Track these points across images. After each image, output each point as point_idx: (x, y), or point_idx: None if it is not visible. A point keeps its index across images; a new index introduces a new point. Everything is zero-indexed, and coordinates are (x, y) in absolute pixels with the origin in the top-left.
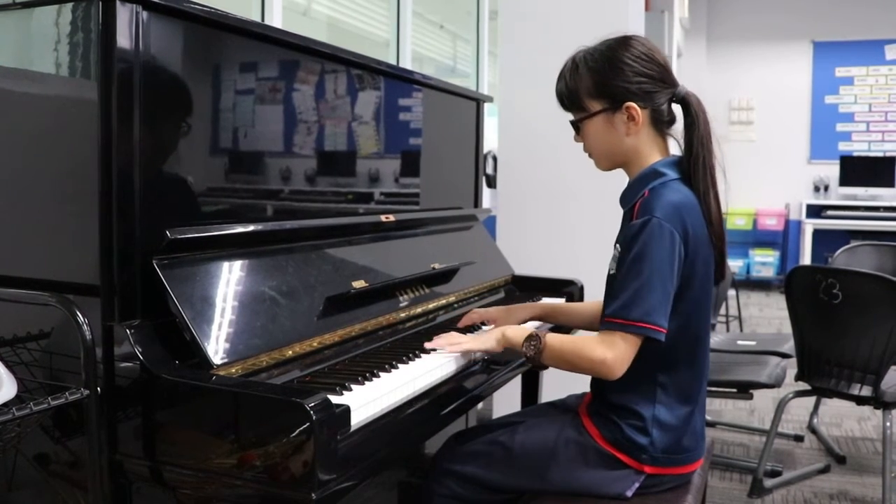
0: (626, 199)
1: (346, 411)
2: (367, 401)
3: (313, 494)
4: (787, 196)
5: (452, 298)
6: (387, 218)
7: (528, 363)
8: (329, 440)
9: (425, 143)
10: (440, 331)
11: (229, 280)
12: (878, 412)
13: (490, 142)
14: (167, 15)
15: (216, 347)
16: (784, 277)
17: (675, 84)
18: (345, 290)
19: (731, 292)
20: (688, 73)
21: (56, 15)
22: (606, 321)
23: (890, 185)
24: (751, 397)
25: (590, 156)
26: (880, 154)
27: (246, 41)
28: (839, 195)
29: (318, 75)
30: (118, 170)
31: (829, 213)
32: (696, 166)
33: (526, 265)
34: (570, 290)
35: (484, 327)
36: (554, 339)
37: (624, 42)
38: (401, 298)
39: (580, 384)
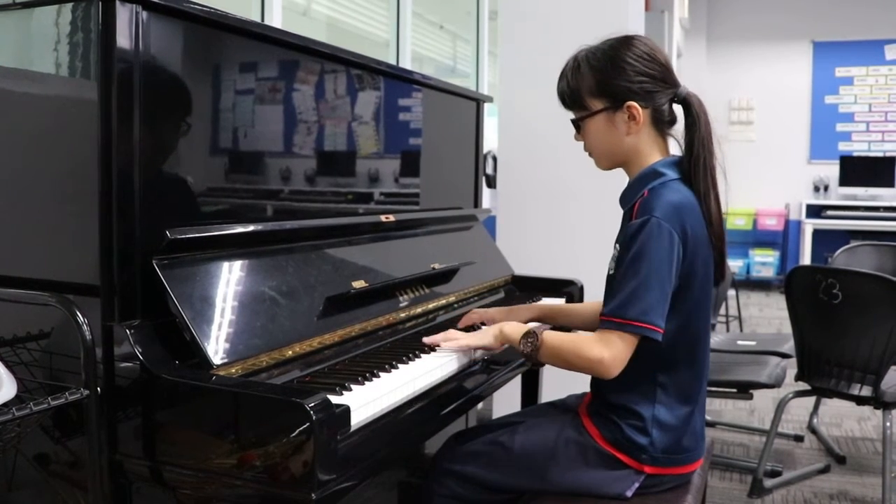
0: (626, 199)
1: (346, 411)
2: (367, 401)
3: (313, 494)
4: (786, 196)
5: (452, 298)
6: (387, 218)
7: (526, 360)
8: (329, 440)
9: (425, 144)
10: (440, 331)
11: (229, 280)
12: (878, 412)
13: (490, 142)
14: (167, 15)
15: (216, 347)
16: (784, 277)
17: (677, 84)
18: (345, 290)
19: (731, 292)
20: (688, 73)
21: (56, 15)
22: (604, 320)
23: (890, 185)
24: (751, 397)
25: (590, 155)
26: (880, 154)
27: (246, 41)
28: (839, 195)
29: (317, 75)
30: (118, 170)
31: (829, 213)
32: (697, 167)
33: (526, 265)
34: (570, 290)
35: (483, 328)
36: (551, 337)
37: (626, 41)
38: (401, 298)
39: (580, 384)
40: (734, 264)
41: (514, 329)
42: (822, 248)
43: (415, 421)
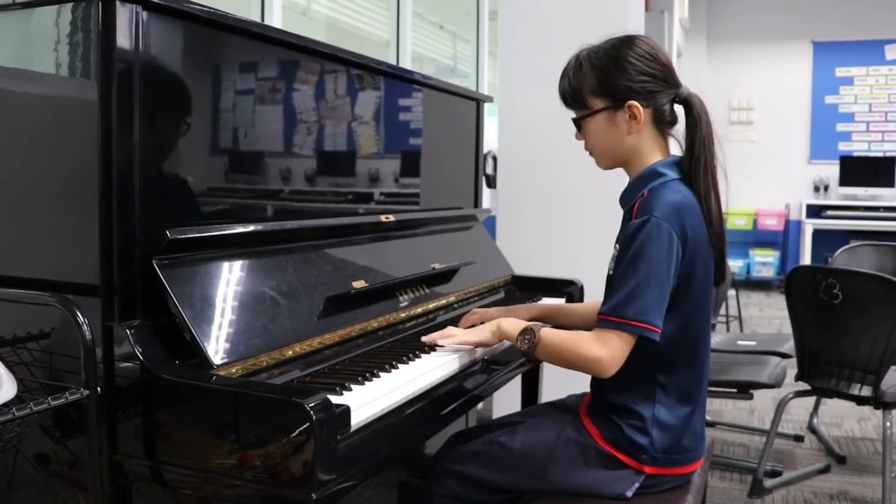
0: (626, 198)
1: (346, 411)
2: (367, 401)
3: (313, 494)
4: (787, 196)
5: (452, 298)
6: (387, 218)
7: (523, 357)
8: (329, 440)
9: (425, 144)
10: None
11: (229, 280)
12: (879, 412)
13: (490, 142)
14: (167, 15)
15: (216, 347)
16: (784, 277)
17: (678, 84)
18: (345, 290)
19: (732, 292)
20: (688, 73)
21: (56, 15)
22: (601, 319)
23: (890, 185)
24: (751, 397)
25: (591, 154)
26: (880, 154)
27: (246, 41)
28: (839, 195)
29: (317, 75)
30: (118, 170)
31: (829, 213)
32: (698, 167)
33: (526, 265)
34: (570, 290)
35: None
36: (548, 335)
37: (628, 41)
38: (401, 298)
39: (580, 384)
40: (734, 264)
41: (512, 325)
42: (822, 248)
43: (415, 421)
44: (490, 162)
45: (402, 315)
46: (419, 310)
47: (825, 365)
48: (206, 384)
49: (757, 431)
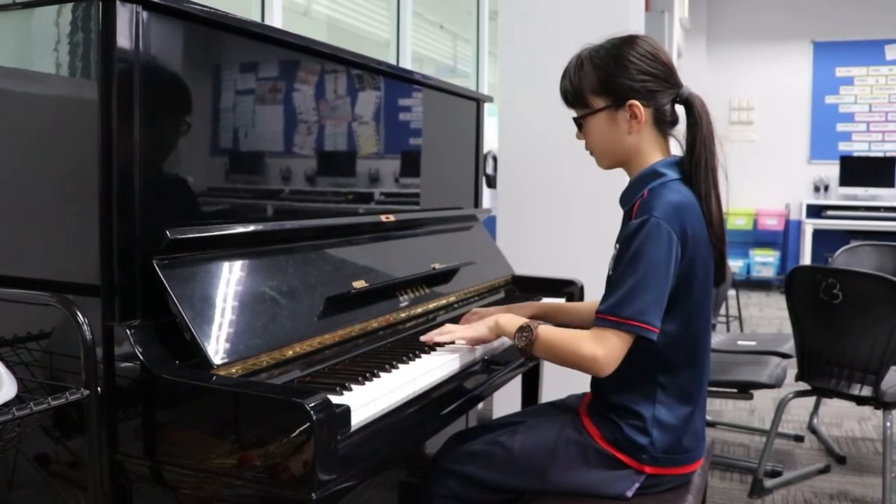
0: (626, 199)
1: (346, 411)
2: (368, 401)
3: (313, 494)
4: (787, 196)
5: (453, 298)
6: (387, 218)
7: (520, 354)
8: (329, 440)
9: (425, 144)
10: None
11: (229, 280)
12: (879, 412)
13: (490, 142)
14: (167, 15)
15: (216, 347)
16: (784, 277)
17: (680, 85)
18: (345, 290)
19: (732, 292)
20: (688, 73)
21: (56, 15)
22: (599, 318)
23: (890, 185)
24: (751, 397)
25: (591, 154)
26: (880, 154)
27: (246, 41)
28: (839, 195)
29: (318, 75)
30: (118, 170)
31: (830, 213)
32: (698, 167)
33: (526, 265)
34: (570, 290)
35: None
36: (546, 332)
37: (630, 41)
38: (401, 298)
39: (580, 384)
40: (734, 264)
41: (510, 321)
42: (822, 248)
43: (415, 421)
44: (490, 162)
45: (403, 315)
46: (419, 310)
47: (825, 365)
48: (207, 384)
49: (757, 431)
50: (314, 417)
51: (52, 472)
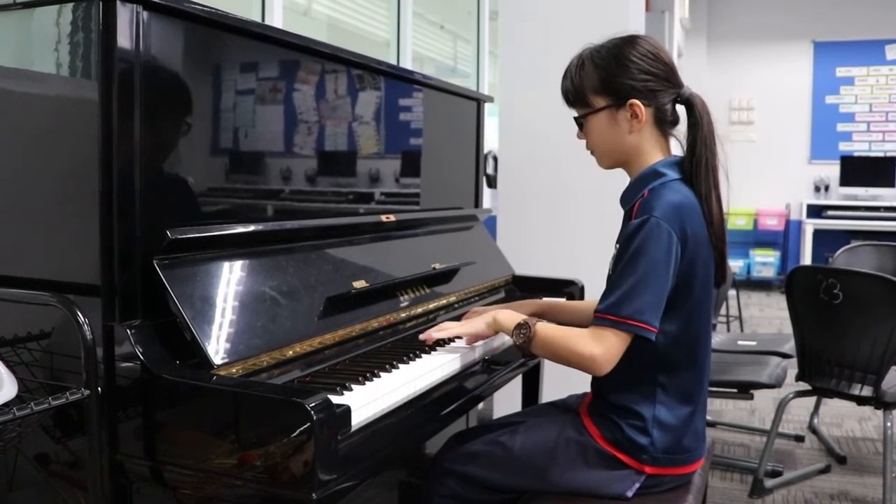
0: (626, 198)
1: (346, 411)
2: (368, 401)
3: (314, 494)
4: (787, 196)
5: (453, 298)
6: (387, 218)
7: (518, 351)
8: (329, 440)
9: (426, 144)
10: None
11: (230, 280)
12: (879, 412)
13: (490, 142)
14: (167, 15)
15: (217, 347)
16: (785, 277)
17: (681, 85)
18: (345, 290)
19: (732, 292)
20: (688, 73)
21: (56, 15)
22: (598, 316)
23: (890, 185)
24: (751, 397)
25: (592, 153)
26: (881, 154)
27: (246, 41)
28: (840, 195)
29: (318, 75)
30: (119, 170)
31: (830, 213)
32: (699, 167)
33: (526, 265)
34: (570, 290)
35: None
36: (544, 329)
37: (631, 40)
38: (401, 298)
39: (581, 384)
40: (735, 264)
41: (508, 318)
42: (822, 248)
43: (415, 421)
44: (490, 162)
45: (403, 315)
46: (420, 310)
47: (826, 365)
48: (207, 384)
49: (757, 431)
50: (314, 417)
51: (53, 472)
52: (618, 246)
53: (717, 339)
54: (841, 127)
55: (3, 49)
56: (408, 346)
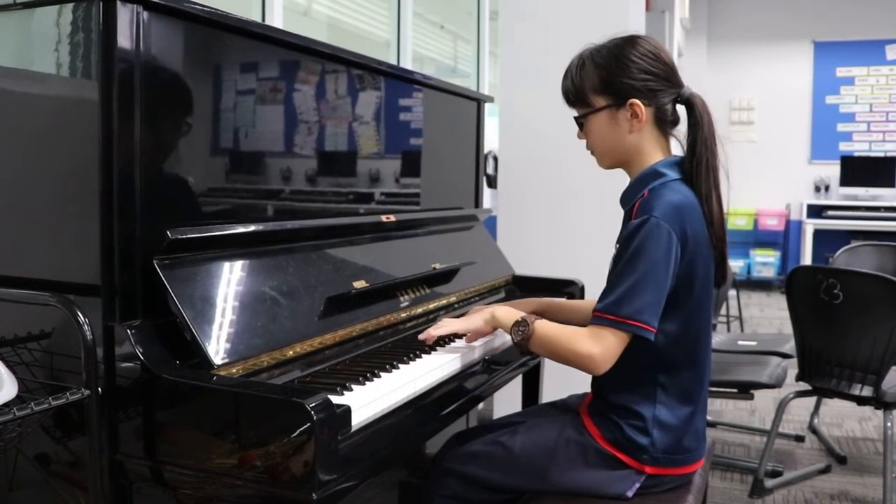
0: (626, 199)
1: (346, 411)
2: (368, 401)
3: (314, 494)
4: (787, 196)
5: (453, 298)
6: (387, 218)
7: (516, 348)
8: (330, 440)
9: (426, 144)
10: None
11: (230, 280)
12: (879, 412)
13: (491, 142)
14: (168, 15)
15: (217, 347)
16: (785, 278)
17: (681, 85)
18: (345, 290)
19: (732, 292)
20: (688, 73)
21: (57, 15)
22: (597, 316)
23: (891, 185)
24: (751, 397)
25: (592, 153)
26: (881, 154)
27: (246, 41)
28: (840, 195)
29: (318, 75)
30: (119, 170)
31: (830, 213)
32: (699, 168)
33: (526, 265)
34: (570, 290)
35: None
36: (543, 327)
37: (631, 40)
38: (401, 298)
39: (581, 384)
40: (735, 264)
41: (506, 314)
42: (822, 248)
43: (415, 421)
44: (491, 162)
45: (403, 315)
46: (420, 310)
47: (826, 365)
48: (207, 384)
49: (758, 431)
50: (315, 417)
51: (53, 472)
52: (618, 246)
53: (718, 339)
54: (841, 127)
55: (4, 49)
56: (408, 347)
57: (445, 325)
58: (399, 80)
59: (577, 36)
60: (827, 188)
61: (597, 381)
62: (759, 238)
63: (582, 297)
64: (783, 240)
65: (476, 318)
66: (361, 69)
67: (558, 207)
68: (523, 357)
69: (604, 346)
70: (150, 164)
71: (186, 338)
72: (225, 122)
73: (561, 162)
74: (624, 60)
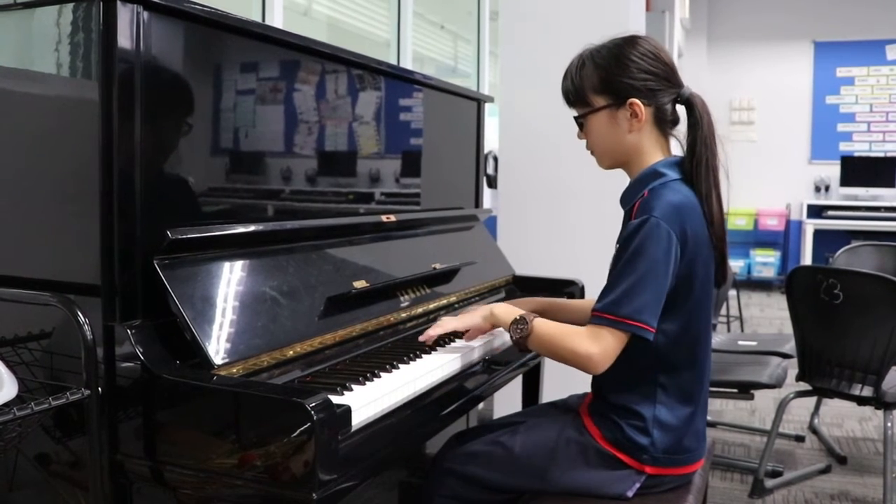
0: (626, 199)
1: (346, 411)
2: (368, 401)
3: (314, 494)
4: (787, 196)
5: (453, 298)
6: (388, 218)
7: (515, 346)
8: (330, 440)
9: (426, 144)
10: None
11: (230, 280)
12: (880, 412)
13: (491, 142)
14: (168, 15)
15: (217, 347)
16: (785, 278)
17: (681, 85)
18: (346, 290)
19: (732, 292)
20: (689, 73)
21: (57, 15)
22: (596, 315)
23: (891, 185)
24: (752, 397)
25: (592, 153)
26: (881, 154)
27: (247, 41)
28: (840, 195)
29: (318, 75)
30: (119, 170)
31: (830, 213)
32: (699, 167)
33: (527, 265)
34: (570, 290)
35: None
36: (542, 325)
37: (631, 40)
38: (402, 298)
39: (581, 384)
40: (735, 264)
41: (506, 312)
42: (823, 248)
43: (416, 421)
44: (491, 162)
45: (403, 315)
46: (420, 310)
47: (826, 365)
48: (207, 384)
49: (758, 432)
50: (315, 417)
51: (53, 472)
52: (618, 246)
53: (718, 339)
54: (841, 127)
55: (4, 49)
56: (408, 347)
57: (444, 324)
58: (399, 80)
59: (577, 36)
60: (827, 188)
61: (597, 381)
62: (759, 238)
63: (582, 297)
64: (783, 240)
65: (475, 315)
66: (361, 69)
67: (558, 207)
68: (523, 357)
69: (602, 345)
70: (150, 164)
71: (186, 338)
72: (225, 121)
73: (561, 162)
74: (624, 60)
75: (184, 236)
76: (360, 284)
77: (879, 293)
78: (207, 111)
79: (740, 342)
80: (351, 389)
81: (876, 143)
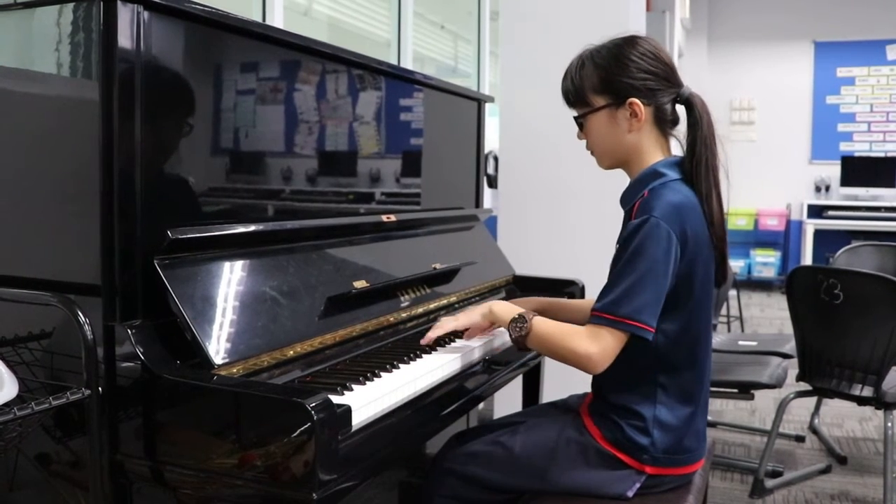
0: (627, 199)
1: (347, 411)
2: (369, 401)
3: (314, 494)
4: (788, 196)
5: (454, 298)
6: (388, 218)
7: (514, 344)
8: (330, 440)
9: (426, 144)
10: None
11: (230, 280)
12: (880, 413)
13: (491, 142)
14: (168, 15)
15: (217, 347)
16: (785, 278)
17: (680, 84)
18: (346, 290)
19: (733, 292)
20: (689, 73)
21: (57, 15)
22: (595, 315)
23: (891, 185)
24: (752, 398)
25: (592, 153)
26: (881, 154)
27: (247, 41)
28: (840, 195)
29: (319, 75)
30: (119, 170)
31: (831, 213)
32: (699, 167)
33: (527, 265)
34: (571, 290)
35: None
36: (541, 324)
37: (631, 40)
38: (402, 298)
39: (581, 384)
40: (735, 264)
41: (505, 310)
42: (823, 248)
43: (416, 421)
44: (491, 162)
45: (404, 315)
46: (420, 310)
47: (826, 365)
48: (207, 384)
49: (758, 432)
50: (315, 417)
51: (53, 472)
52: (618, 246)
53: (718, 339)
54: (842, 127)
55: (4, 49)
56: (408, 346)
57: (443, 325)
58: (399, 80)
59: (577, 36)
60: (827, 188)
61: (597, 381)
62: (759, 238)
63: (582, 296)
64: (783, 240)
65: (474, 313)
66: (362, 69)
67: (558, 207)
68: (524, 357)
69: (601, 345)
70: (150, 164)
71: (187, 338)
72: (225, 121)
73: (561, 162)
74: (623, 60)
75: (184, 236)
76: (360, 284)
77: (880, 293)
78: (208, 111)
79: (740, 342)
80: (351, 389)
81: (876, 143)
